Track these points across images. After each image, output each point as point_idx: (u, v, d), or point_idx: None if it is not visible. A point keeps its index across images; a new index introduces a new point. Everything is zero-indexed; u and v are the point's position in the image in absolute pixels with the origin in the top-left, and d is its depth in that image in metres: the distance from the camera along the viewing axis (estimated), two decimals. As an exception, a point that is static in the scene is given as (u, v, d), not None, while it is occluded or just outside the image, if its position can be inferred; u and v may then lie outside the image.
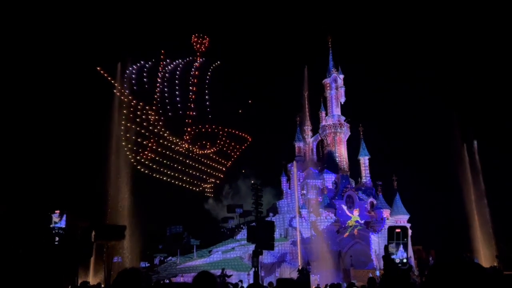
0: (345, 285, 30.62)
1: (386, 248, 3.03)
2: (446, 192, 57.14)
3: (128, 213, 41.29)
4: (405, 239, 3.31)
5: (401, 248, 3.26)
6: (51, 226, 17.40)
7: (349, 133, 57.96)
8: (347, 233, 50.85)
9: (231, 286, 26.40)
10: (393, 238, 3.34)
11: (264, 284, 26.94)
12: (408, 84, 76.76)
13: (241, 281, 34.37)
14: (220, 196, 76.71)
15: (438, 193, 58.28)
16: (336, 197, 53.19)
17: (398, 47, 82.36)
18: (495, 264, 39.93)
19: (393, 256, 3.23)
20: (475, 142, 55.69)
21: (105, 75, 46.93)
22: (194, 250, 52.58)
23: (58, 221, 17.63)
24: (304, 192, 56.47)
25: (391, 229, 3.36)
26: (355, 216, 52.94)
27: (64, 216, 17.51)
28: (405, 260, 3.20)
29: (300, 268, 40.10)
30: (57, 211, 17.52)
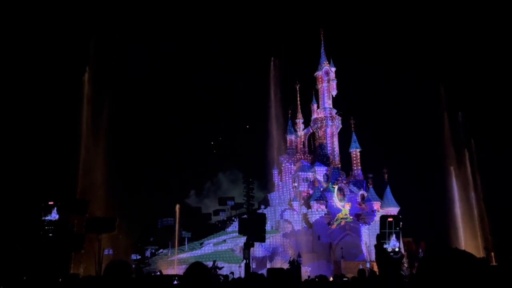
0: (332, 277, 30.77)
1: (378, 237, 3.01)
2: (436, 185, 57.71)
3: (118, 206, 41.12)
4: (398, 228, 3.29)
5: (393, 237, 3.24)
6: (43, 218, 17.25)
7: (341, 126, 58.08)
8: (335, 225, 51.03)
9: (222, 278, 26.44)
10: (385, 227, 3.31)
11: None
12: (400, 78, 77.05)
13: (232, 273, 34.49)
14: (200, 195, 76.50)
15: (428, 186, 58.83)
16: (328, 190, 53.41)
17: (390, 41, 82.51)
18: (482, 255, 40.49)
19: (385, 246, 3.21)
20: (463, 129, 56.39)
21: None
22: (186, 243, 52.60)
23: (48, 213, 17.47)
24: (296, 184, 56.62)
25: (383, 218, 3.33)
26: (346, 208, 53.25)
27: (55, 208, 17.34)
28: (397, 249, 3.18)
29: (291, 260, 40.33)
30: (51, 202, 17.33)
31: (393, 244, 3.21)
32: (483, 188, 55.21)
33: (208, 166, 75.06)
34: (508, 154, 56.82)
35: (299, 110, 63.52)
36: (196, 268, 3.85)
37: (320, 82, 59.03)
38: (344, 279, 15.06)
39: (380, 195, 53.43)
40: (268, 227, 43.58)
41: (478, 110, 65.17)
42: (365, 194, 53.97)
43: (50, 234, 16.93)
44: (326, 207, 51.18)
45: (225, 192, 72.60)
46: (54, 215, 17.41)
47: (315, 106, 60.03)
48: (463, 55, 73.22)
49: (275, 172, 59.04)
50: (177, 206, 52.57)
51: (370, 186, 53.55)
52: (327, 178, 55.11)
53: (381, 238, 3.22)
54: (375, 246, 3.11)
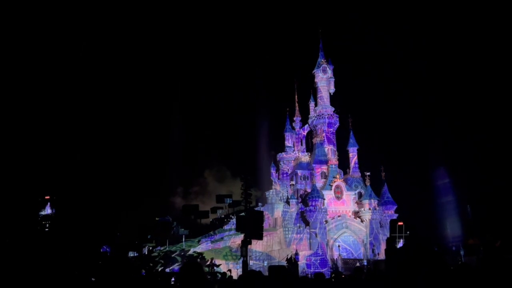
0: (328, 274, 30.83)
1: (388, 240, 3.04)
2: (432, 182, 57.87)
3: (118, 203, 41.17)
4: (407, 232, 3.35)
5: (401, 241, 3.30)
6: (39, 213, 17.27)
7: (338, 124, 58.14)
8: (334, 224, 51.35)
9: (219, 275, 26.48)
10: (395, 231, 3.37)
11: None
12: (398, 76, 77.14)
13: (229, 270, 34.58)
14: (187, 198, 76.30)
15: (425, 183, 58.97)
16: (325, 188, 53.52)
17: (387, 40, 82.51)
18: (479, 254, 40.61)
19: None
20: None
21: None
22: (183, 240, 52.69)
23: (42, 209, 17.47)
24: (293, 182, 56.74)
25: (393, 222, 3.39)
26: (343, 206, 53.40)
27: (49, 203, 17.35)
28: None
29: (288, 257, 40.43)
30: (47, 197, 17.38)
31: None
32: (477, 186, 55.45)
33: (195, 163, 75.03)
34: (501, 151, 57.06)
35: (297, 108, 63.60)
36: (190, 267, 3.88)
37: (318, 80, 59.04)
38: (342, 276, 15.10)
39: (378, 193, 53.58)
40: (265, 224, 43.63)
41: (472, 109, 65.38)
42: (362, 192, 54.11)
43: (46, 229, 16.94)
44: (323, 205, 51.28)
45: (213, 191, 72.28)
46: (47, 210, 17.42)
47: (312, 104, 60.08)
48: (461, 56, 73.31)
49: (273, 169, 59.11)
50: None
51: (368, 184, 53.69)
52: (325, 176, 55.21)
53: (391, 242, 3.27)
54: (385, 250, 3.16)
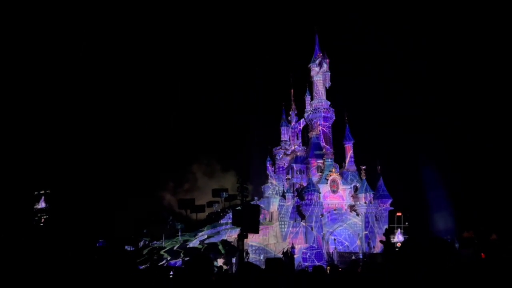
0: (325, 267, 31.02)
1: (386, 231, 3.04)
2: (426, 175, 58.11)
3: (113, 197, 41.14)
4: (406, 223, 3.35)
5: (399, 231, 3.31)
6: (34, 207, 17.26)
7: (334, 118, 58.19)
8: (330, 218, 51.58)
9: (216, 269, 26.55)
10: (393, 221, 3.37)
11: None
12: (397, 75, 77.08)
13: (226, 263, 34.72)
14: (177, 194, 75.95)
15: (420, 177, 59.25)
16: (321, 181, 53.67)
17: (387, 39, 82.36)
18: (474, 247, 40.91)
19: (392, 240, 3.27)
20: None
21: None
22: (179, 234, 52.72)
23: (37, 202, 17.46)
24: (289, 176, 56.85)
25: (392, 213, 3.39)
26: (339, 200, 53.61)
27: (43, 197, 17.34)
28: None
29: (284, 251, 40.63)
30: (42, 191, 17.37)
31: (398, 238, 3.27)
32: (471, 180, 55.82)
33: (182, 156, 74.57)
34: (500, 150, 57.36)
35: (293, 102, 63.63)
36: (199, 259, 3.87)
37: (314, 74, 58.96)
38: (339, 269, 15.18)
39: (373, 187, 53.80)
40: (261, 218, 43.76)
41: (470, 108, 65.56)
42: (358, 186, 54.31)
43: (42, 224, 16.94)
44: (319, 199, 51.46)
45: (203, 187, 71.90)
46: (42, 204, 17.39)
47: (308, 98, 60.06)
48: (461, 56, 73.11)
49: (269, 163, 59.15)
50: None
51: (363, 178, 53.88)
52: (321, 170, 55.34)
53: (389, 232, 3.28)
54: (382, 241, 3.17)
